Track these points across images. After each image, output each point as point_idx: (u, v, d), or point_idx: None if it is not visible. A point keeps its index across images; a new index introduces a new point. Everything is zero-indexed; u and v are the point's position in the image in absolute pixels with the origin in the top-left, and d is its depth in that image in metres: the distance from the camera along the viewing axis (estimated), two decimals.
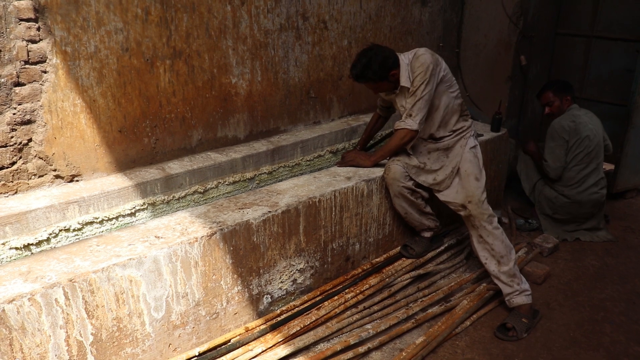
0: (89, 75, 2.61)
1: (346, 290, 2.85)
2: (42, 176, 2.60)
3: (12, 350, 1.85)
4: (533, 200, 3.90)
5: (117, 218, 2.73)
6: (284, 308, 2.69)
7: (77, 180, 2.73)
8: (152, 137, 2.94)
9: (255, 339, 2.48)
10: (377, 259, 3.14)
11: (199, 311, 2.37)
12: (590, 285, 3.20)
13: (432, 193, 3.08)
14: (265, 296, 2.64)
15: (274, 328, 2.54)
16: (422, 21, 4.30)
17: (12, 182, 2.51)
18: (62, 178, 2.67)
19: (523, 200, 4.24)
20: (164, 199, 2.88)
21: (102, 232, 2.66)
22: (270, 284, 2.64)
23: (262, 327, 2.54)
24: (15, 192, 2.54)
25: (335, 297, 2.78)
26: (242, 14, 3.12)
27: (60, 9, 2.44)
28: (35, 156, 2.54)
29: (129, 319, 2.14)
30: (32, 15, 2.35)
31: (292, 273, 2.71)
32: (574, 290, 3.15)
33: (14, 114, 2.41)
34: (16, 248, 2.40)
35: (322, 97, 3.78)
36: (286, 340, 2.49)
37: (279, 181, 3.20)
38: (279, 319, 2.61)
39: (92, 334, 2.04)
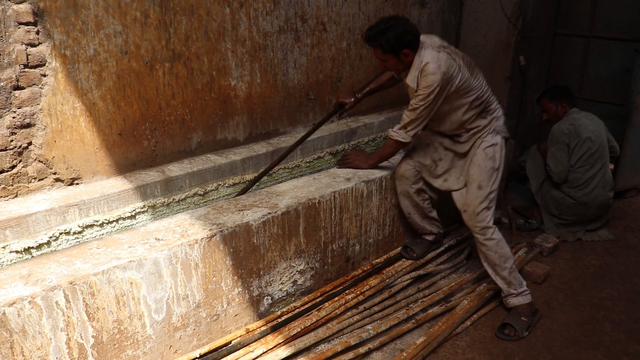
0: (89, 78, 2.61)
1: (346, 291, 2.85)
2: (42, 179, 2.61)
3: (13, 353, 1.86)
4: (538, 199, 3.90)
5: (117, 221, 2.73)
6: (284, 309, 2.69)
7: (77, 184, 2.73)
8: (151, 139, 2.95)
9: (256, 340, 2.48)
10: (378, 260, 3.14)
11: (200, 313, 2.38)
12: (590, 285, 3.20)
13: (442, 196, 3.09)
14: (266, 297, 2.64)
15: (274, 329, 2.54)
16: (420, 22, 4.31)
17: (12, 185, 2.52)
18: (62, 181, 2.68)
19: (523, 200, 4.24)
20: (164, 202, 2.88)
21: (103, 234, 2.66)
22: (271, 285, 2.64)
23: (263, 328, 2.55)
24: (16, 196, 2.55)
25: (336, 298, 2.79)
26: (240, 17, 3.13)
27: (59, 13, 2.45)
28: (35, 159, 2.55)
29: (129, 321, 2.14)
30: (31, 19, 2.36)
31: (292, 274, 2.72)
32: (574, 289, 3.15)
33: (13, 117, 2.42)
34: (17, 251, 2.40)
35: (322, 99, 3.79)
36: (287, 341, 2.49)
37: (278, 183, 3.20)
38: (279, 320, 2.61)
39: (93, 336, 2.05)
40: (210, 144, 3.24)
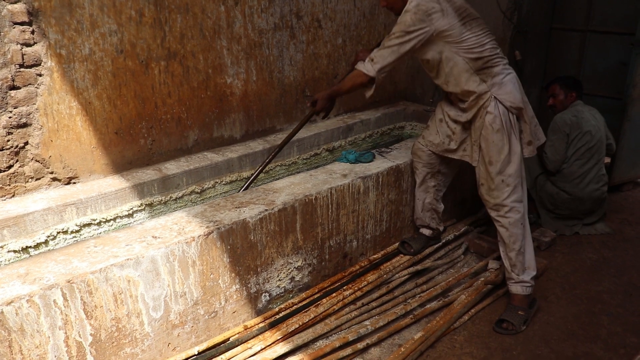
0: (84, 77, 2.62)
1: (344, 287, 2.86)
2: (39, 179, 2.61)
3: (12, 351, 1.87)
4: (533, 195, 3.91)
5: (114, 219, 2.74)
6: (282, 306, 2.70)
7: (74, 183, 2.74)
8: (148, 138, 2.95)
9: (254, 337, 2.49)
10: (375, 256, 3.15)
11: (198, 310, 2.39)
12: (587, 278, 3.21)
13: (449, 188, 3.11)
14: (264, 294, 2.65)
15: (272, 326, 2.55)
16: None
17: (9, 185, 2.52)
18: (59, 180, 2.69)
19: None
20: (161, 200, 2.89)
21: (100, 233, 2.67)
22: (268, 282, 2.65)
23: (261, 325, 2.55)
24: (13, 195, 2.55)
25: (334, 294, 2.80)
26: (235, 14, 3.13)
27: (54, 12, 2.45)
28: (32, 159, 2.56)
29: (127, 319, 2.15)
30: (26, 19, 2.36)
31: (289, 271, 2.73)
32: (572, 283, 3.16)
33: (9, 117, 2.42)
34: (14, 251, 2.41)
35: None
36: (285, 337, 2.50)
37: (275, 180, 3.21)
38: (277, 316, 2.62)
39: (91, 334, 2.06)
40: (206, 142, 3.24)
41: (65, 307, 1.96)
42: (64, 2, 2.47)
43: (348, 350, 2.48)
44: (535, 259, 3.31)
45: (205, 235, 2.32)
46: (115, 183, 2.78)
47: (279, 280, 2.70)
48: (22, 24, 2.36)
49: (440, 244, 3.29)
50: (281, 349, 2.44)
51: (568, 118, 3.60)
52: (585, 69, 4.55)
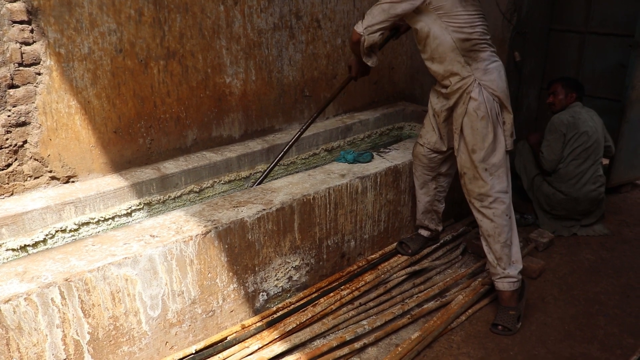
0: (83, 76, 2.62)
1: (342, 287, 2.86)
2: (38, 178, 2.62)
3: (9, 349, 1.87)
4: (530, 196, 3.92)
5: (113, 218, 2.75)
6: (279, 305, 2.70)
7: (73, 181, 2.75)
8: (147, 137, 2.96)
9: (251, 336, 2.50)
10: (373, 256, 3.16)
11: (195, 309, 2.39)
12: (585, 279, 3.21)
13: (448, 194, 3.12)
14: (261, 294, 2.66)
15: (270, 325, 2.56)
16: None
17: (7, 183, 2.53)
18: (58, 179, 2.69)
19: (518, 195, 4.25)
20: (160, 199, 2.90)
21: (99, 232, 2.68)
22: (266, 281, 2.66)
23: (259, 324, 2.56)
24: (11, 194, 2.56)
25: (331, 294, 2.80)
26: (235, 14, 3.14)
27: (53, 11, 2.46)
28: (31, 158, 2.56)
29: (125, 317, 2.16)
30: (25, 18, 2.37)
31: (287, 270, 2.73)
32: (569, 284, 3.16)
33: (8, 116, 2.43)
34: (13, 249, 2.42)
35: (317, 96, 3.80)
36: (282, 337, 2.51)
37: (273, 179, 3.21)
38: (275, 316, 2.63)
39: (88, 332, 2.06)
40: (205, 142, 3.25)
41: (62, 305, 1.97)
42: (63, 1, 2.48)
43: (345, 350, 2.48)
44: (533, 259, 3.32)
45: (203, 234, 2.33)
46: (114, 182, 2.78)
47: (277, 279, 2.70)
48: (21, 22, 2.37)
49: (438, 244, 3.30)
50: (278, 348, 2.44)
51: (565, 118, 3.61)
52: (584, 70, 4.55)
